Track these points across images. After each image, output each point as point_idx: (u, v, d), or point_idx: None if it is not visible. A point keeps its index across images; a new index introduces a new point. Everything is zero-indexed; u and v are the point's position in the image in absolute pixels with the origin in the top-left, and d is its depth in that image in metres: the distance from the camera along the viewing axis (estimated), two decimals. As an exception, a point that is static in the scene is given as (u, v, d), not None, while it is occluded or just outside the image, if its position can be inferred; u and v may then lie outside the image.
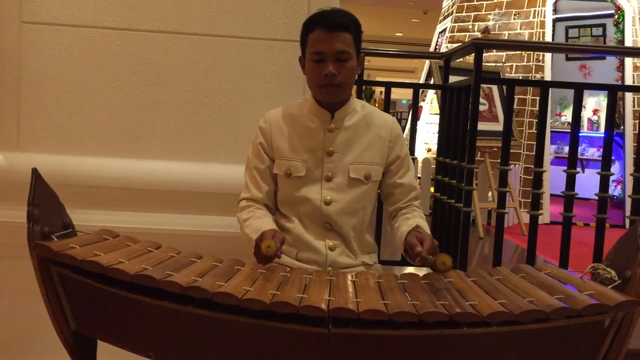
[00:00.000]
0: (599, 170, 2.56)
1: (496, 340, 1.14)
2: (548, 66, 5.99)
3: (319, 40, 1.59)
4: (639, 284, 1.16)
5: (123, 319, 1.28)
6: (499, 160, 2.60)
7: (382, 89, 3.40)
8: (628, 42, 6.06)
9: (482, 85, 2.65)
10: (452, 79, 3.09)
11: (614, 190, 6.26)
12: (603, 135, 2.98)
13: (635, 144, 2.79)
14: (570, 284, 1.25)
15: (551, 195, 5.68)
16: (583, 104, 3.62)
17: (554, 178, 5.55)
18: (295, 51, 1.78)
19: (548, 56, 5.99)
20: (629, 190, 3.50)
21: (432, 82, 5.61)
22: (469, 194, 2.61)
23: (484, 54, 2.67)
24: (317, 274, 1.35)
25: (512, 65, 6.11)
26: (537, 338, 1.14)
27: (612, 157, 3.54)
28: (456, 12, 6.65)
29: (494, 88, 5.40)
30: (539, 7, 6.12)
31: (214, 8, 2.07)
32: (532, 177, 2.65)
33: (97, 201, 2.02)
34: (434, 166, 3.21)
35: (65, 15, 2.04)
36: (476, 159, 2.84)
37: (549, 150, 6.18)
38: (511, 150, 2.92)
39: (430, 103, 6.52)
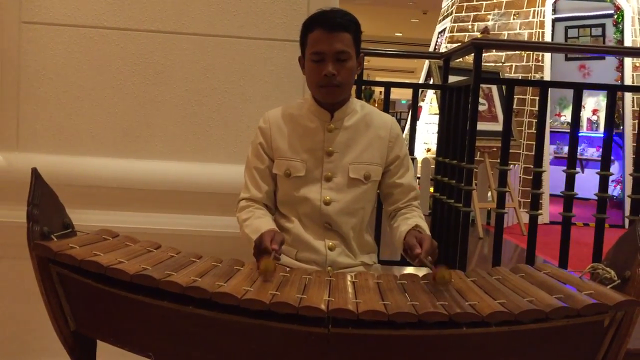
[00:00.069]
0: (599, 170, 2.56)
1: (496, 340, 1.14)
2: (547, 66, 5.99)
3: (318, 40, 1.59)
4: (638, 283, 1.16)
5: (123, 318, 1.28)
6: (499, 160, 2.60)
7: (382, 89, 3.41)
8: (627, 42, 6.06)
9: (481, 85, 2.65)
10: (452, 79, 3.10)
11: (614, 190, 6.26)
12: (602, 135, 2.98)
13: (635, 144, 2.79)
14: (569, 284, 1.25)
15: (550, 195, 5.68)
16: (582, 104, 3.63)
17: (553, 178, 5.55)
18: (294, 51, 1.78)
19: (547, 56, 6.00)
20: (628, 190, 3.51)
21: (431, 82, 5.61)
22: (469, 194, 2.61)
23: (483, 54, 2.67)
24: (317, 274, 1.35)
25: (511, 65, 6.11)
26: (537, 338, 1.15)
27: (612, 157, 3.53)
28: (455, 12, 6.65)
29: (494, 88, 5.40)
30: (538, 7, 6.12)
31: (214, 8, 2.07)
32: (531, 177, 2.65)
33: (96, 201, 2.02)
34: (434, 166, 3.21)
35: (64, 15, 2.04)
36: (476, 159, 2.85)
37: (549, 150, 6.18)
38: (510, 150, 2.92)
39: (430, 103, 6.52)
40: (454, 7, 6.73)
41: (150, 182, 2.05)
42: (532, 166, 2.67)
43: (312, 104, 1.69)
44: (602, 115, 6.85)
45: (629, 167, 5.63)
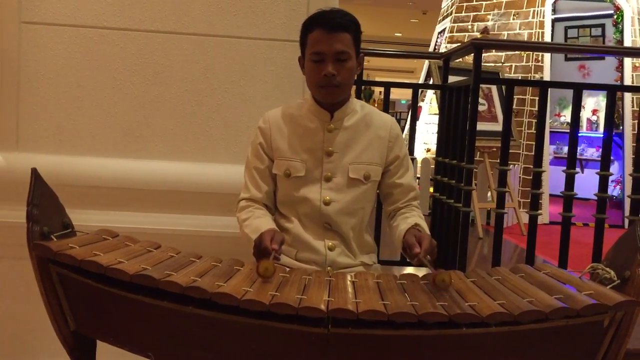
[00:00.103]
0: (598, 170, 2.56)
1: (495, 340, 1.14)
2: (547, 66, 6.00)
3: (318, 40, 1.59)
4: (638, 284, 1.16)
5: (122, 318, 1.28)
6: (498, 161, 2.60)
7: (382, 89, 3.41)
8: (627, 42, 6.07)
9: (481, 85, 2.65)
10: (452, 79, 3.10)
11: (613, 190, 6.26)
12: (602, 135, 2.98)
13: (634, 144, 2.79)
14: (569, 284, 1.25)
15: (550, 195, 5.69)
16: (582, 104, 3.63)
17: (553, 178, 5.55)
18: (294, 51, 1.78)
19: (547, 56, 6.00)
20: (628, 190, 3.50)
21: (431, 82, 5.61)
22: (468, 194, 2.61)
23: (483, 54, 2.67)
24: (317, 274, 1.35)
25: (511, 66, 6.11)
26: (537, 338, 1.15)
27: (611, 157, 3.53)
28: (455, 12, 6.65)
29: (493, 88, 5.40)
30: (538, 7, 6.13)
31: (213, 8, 2.07)
32: (531, 177, 2.65)
33: (96, 201, 2.02)
34: (433, 166, 3.21)
35: (64, 15, 2.04)
36: (475, 159, 2.85)
37: (548, 150, 6.19)
38: (510, 151, 2.92)
39: (430, 103, 6.52)
40: (453, 7, 6.74)
41: (150, 182, 2.05)
42: (531, 166, 2.67)
43: (312, 104, 1.69)
44: (602, 115, 6.86)
45: (629, 167, 5.63)
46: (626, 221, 5.14)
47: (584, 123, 7.17)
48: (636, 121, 5.77)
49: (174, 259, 1.36)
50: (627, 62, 6.07)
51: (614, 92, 2.59)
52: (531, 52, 5.97)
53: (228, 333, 1.18)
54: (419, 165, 5.51)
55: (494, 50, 6.09)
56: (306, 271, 1.38)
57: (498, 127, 5.04)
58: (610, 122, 2.60)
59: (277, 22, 2.09)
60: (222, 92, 2.10)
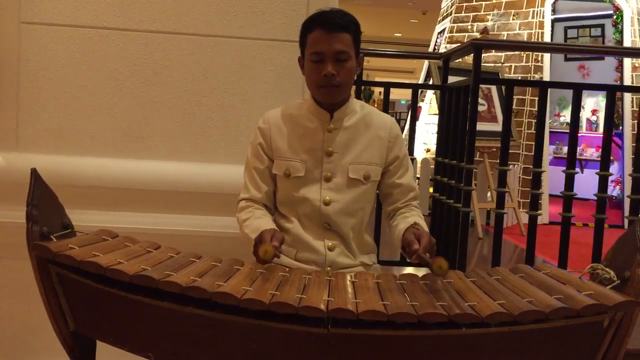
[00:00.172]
0: (598, 170, 2.56)
1: (495, 340, 1.14)
2: (547, 66, 6.00)
3: (318, 40, 1.59)
4: (637, 284, 1.16)
5: (122, 319, 1.28)
6: (498, 161, 2.60)
7: (381, 89, 3.41)
8: (627, 43, 6.07)
9: (481, 85, 2.65)
10: (451, 79, 3.10)
11: (613, 190, 6.26)
12: (602, 135, 2.98)
13: (634, 144, 2.79)
14: (569, 284, 1.25)
15: (550, 195, 5.69)
16: (582, 104, 3.63)
17: (552, 178, 5.55)
18: (294, 51, 1.78)
19: (547, 56, 6.00)
20: (627, 190, 3.51)
21: (431, 82, 5.61)
22: (468, 194, 2.61)
23: (482, 55, 2.67)
24: (316, 274, 1.35)
25: (511, 66, 6.11)
26: (536, 338, 1.15)
27: (611, 157, 3.54)
28: (455, 13, 6.65)
29: (493, 88, 5.40)
30: (537, 7, 6.13)
31: (213, 8, 2.07)
32: (531, 178, 2.66)
33: (96, 201, 2.02)
34: (433, 166, 3.21)
35: (64, 15, 2.04)
36: (475, 159, 2.85)
37: (548, 150, 6.19)
38: (510, 151, 2.92)
39: (429, 103, 6.52)
40: (453, 7, 6.74)
41: (149, 182, 2.05)
42: (531, 166, 2.67)
43: (312, 104, 1.69)
44: (602, 115, 6.87)
45: (629, 168, 5.63)
46: (626, 221, 5.15)
47: (583, 123, 7.18)
48: (636, 121, 5.78)
49: (173, 259, 1.36)
50: (627, 62, 6.07)
51: (613, 93, 2.59)
52: (531, 53, 5.97)
53: (228, 333, 1.18)
54: (418, 165, 5.51)
55: (493, 51, 6.09)
56: (306, 271, 1.38)
57: (498, 127, 5.05)
58: (610, 122, 2.61)
59: (277, 23, 2.09)
60: (222, 92, 2.10)
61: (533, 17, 6.12)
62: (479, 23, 6.44)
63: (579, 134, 2.75)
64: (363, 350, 1.14)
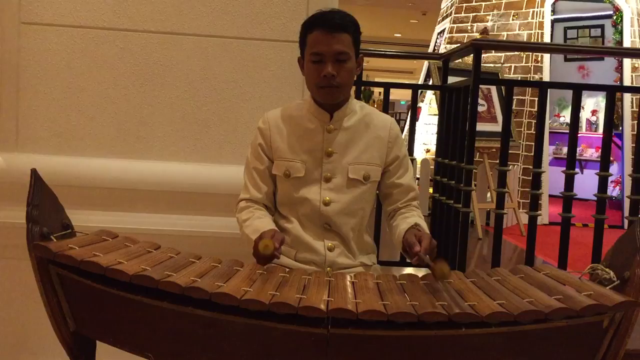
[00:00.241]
0: (598, 170, 2.56)
1: (495, 340, 1.14)
2: (547, 67, 5.99)
3: (318, 41, 1.59)
4: (637, 284, 1.16)
5: (122, 319, 1.28)
6: (498, 161, 2.60)
7: (381, 89, 3.41)
8: (626, 43, 6.07)
9: (480, 86, 2.65)
10: (451, 79, 3.10)
11: (613, 190, 6.26)
12: (601, 136, 2.98)
13: (634, 145, 2.79)
14: (569, 285, 1.25)
15: (550, 196, 5.68)
16: (582, 104, 3.63)
17: (552, 179, 5.55)
18: (294, 52, 1.78)
19: (547, 57, 6.00)
20: (627, 190, 3.51)
21: (430, 82, 5.61)
22: (468, 195, 2.62)
23: (482, 55, 2.67)
24: (316, 274, 1.35)
25: (510, 66, 6.11)
26: (536, 338, 1.15)
27: (611, 158, 3.54)
28: (455, 13, 6.65)
29: (493, 89, 5.40)
30: (537, 8, 6.13)
31: (213, 8, 2.07)
32: (530, 178, 2.66)
33: (96, 202, 2.02)
34: (433, 167, 3.21)
35: (64, 15, 2.04)
36: (475, 159, 2.85)
37: (548, 151, 6.18)
38: (510, 151, 2.92)
39: (429, 104, 6.52)
40: (453, 7, 6.74)
41: (149, 183, 2.05)
42: (531, 167, 2.67)
43: (312, 105, 1.70)
44: (602, 116, 6.86)
45: (628, 168, 5.63)
46: (625, 222, 5.15)
47: (583, 124, 7.17)
48: (635, 122, 5.78)
49: (173, 259, 1.36)
50: (627, 62, 6.07)
51: (613, 93, 2.59)
52: (530, 53, 5.97)
53: (228, 333, 1.18)
54: (418, 165, 5.51)
55: (493, 51, 6.09)
56: (306, 271, 1.39)
57: (497, 127, 5.04)
58: (610, 122, 2.61)
59: (277, 23, 2.09)
60: (222, 92, 2.10)
61: (533, 18, 6.12)
62: (478, 23, 6.44)
63: (578, 135, 2.75)
64: (363, 350, 1.14)
